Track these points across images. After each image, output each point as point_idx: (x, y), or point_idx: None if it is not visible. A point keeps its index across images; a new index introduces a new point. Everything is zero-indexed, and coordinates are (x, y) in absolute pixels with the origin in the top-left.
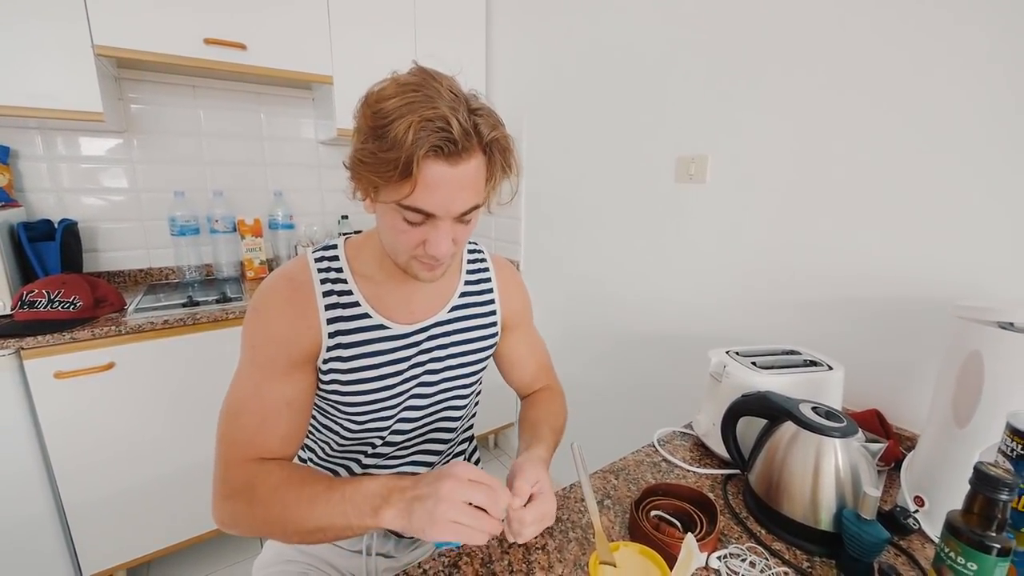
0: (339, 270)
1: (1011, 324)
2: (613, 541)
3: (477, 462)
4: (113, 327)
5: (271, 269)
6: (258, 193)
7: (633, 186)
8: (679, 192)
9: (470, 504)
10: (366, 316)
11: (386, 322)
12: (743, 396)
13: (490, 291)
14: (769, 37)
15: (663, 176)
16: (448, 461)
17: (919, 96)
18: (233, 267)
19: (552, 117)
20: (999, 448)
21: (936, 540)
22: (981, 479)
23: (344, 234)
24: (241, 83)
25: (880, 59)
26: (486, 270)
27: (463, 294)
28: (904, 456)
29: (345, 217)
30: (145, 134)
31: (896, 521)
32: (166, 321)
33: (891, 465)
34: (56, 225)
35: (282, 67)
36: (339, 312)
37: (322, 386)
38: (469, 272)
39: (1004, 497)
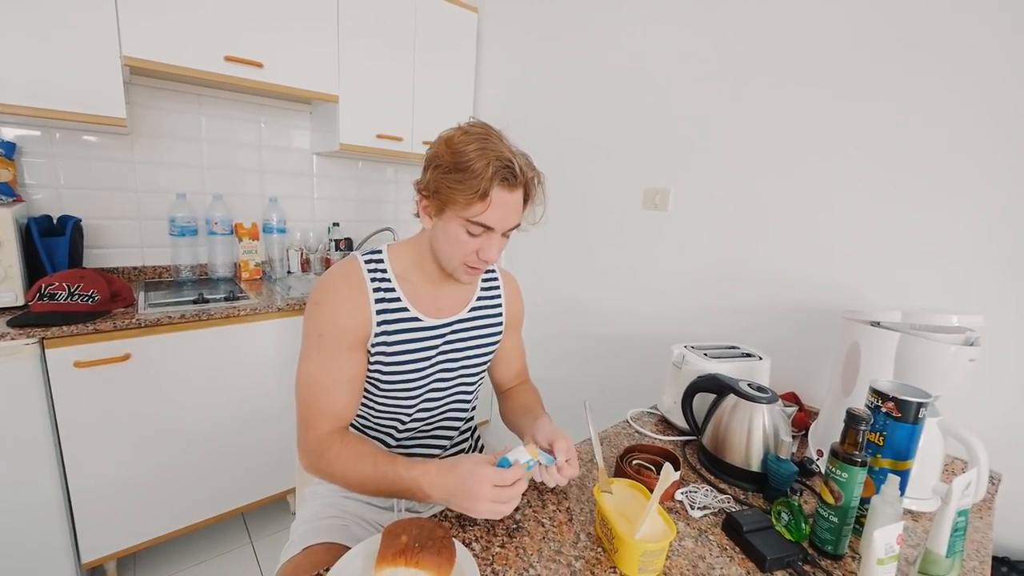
0: (384, 271)
1: (879, 323)
2: (609, 478)
3: (478, 439)
4: (131, 320)
5: (264, 272)
6: (254, 198)
7: (606, 210)
8: (646, 217)
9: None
10: (405, 310)
11: (420, 315)
12: (698, 377)
13: (499, 296)
14: (718, 99)
15: (632, 203)
16: (460, 436)
17: (825, 163)
18: (227, 268)
19: (533, 145)
20: (865, 403)
21: None
22: (850, 417)
23: (380, 244)
24: (244, 94)
25: (798, 130)
26: (496, 279)
27: (479, 298)
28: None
29: (336, 224)
30: (147, 137)
31: (804, 467)
32: (182, 316)
33: (803, 432)
34: (56, 221)
35: (294, 85)
36: (385, 305)
37: (368, 366)
38: (483, 280)
39: (863, 428)
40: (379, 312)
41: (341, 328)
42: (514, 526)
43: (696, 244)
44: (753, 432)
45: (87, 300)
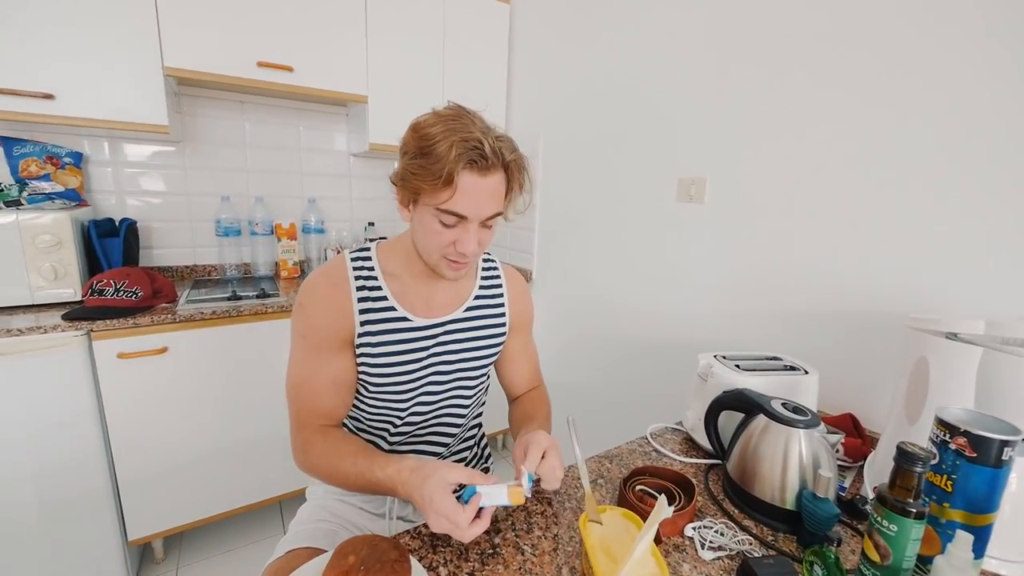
0: (371, 269)
1: (956, 335)
2: (600, 505)
3: (485, 447)
4: (168, 315)
5: (303, 270)
6: (294, 200)
7: (638, 203)
8: (680, 210)
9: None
10: (392, 309)
11: (408, 315)
12: (724, 392)
13: (501, 296)
14: (761, 78)
15: (666, 195)
16: (460, 444)
17: (890, 141)
18: (268, 267)
19: (566, 137)
20: (928, 437)
21: None
22: (901, 455)
23: (373, 239)
24: (284, 100)
25: (852, 107)
26: (498, 277)
27: (477, 296)
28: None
29: (372, 224)
30: (197, 143)
31: (855, 507)
32: (214, 312)
33: (860, 463)
34: (118, 223)
35: (323, 87)
36: (369, 304)
37: (357, 366)
38: (483, 278)
39: (919, 469)
40: (363, 312)
41: (322, 328)
42: (490, 551)
43: (737, 239)
44: (788, 461)
45: (131, 296)
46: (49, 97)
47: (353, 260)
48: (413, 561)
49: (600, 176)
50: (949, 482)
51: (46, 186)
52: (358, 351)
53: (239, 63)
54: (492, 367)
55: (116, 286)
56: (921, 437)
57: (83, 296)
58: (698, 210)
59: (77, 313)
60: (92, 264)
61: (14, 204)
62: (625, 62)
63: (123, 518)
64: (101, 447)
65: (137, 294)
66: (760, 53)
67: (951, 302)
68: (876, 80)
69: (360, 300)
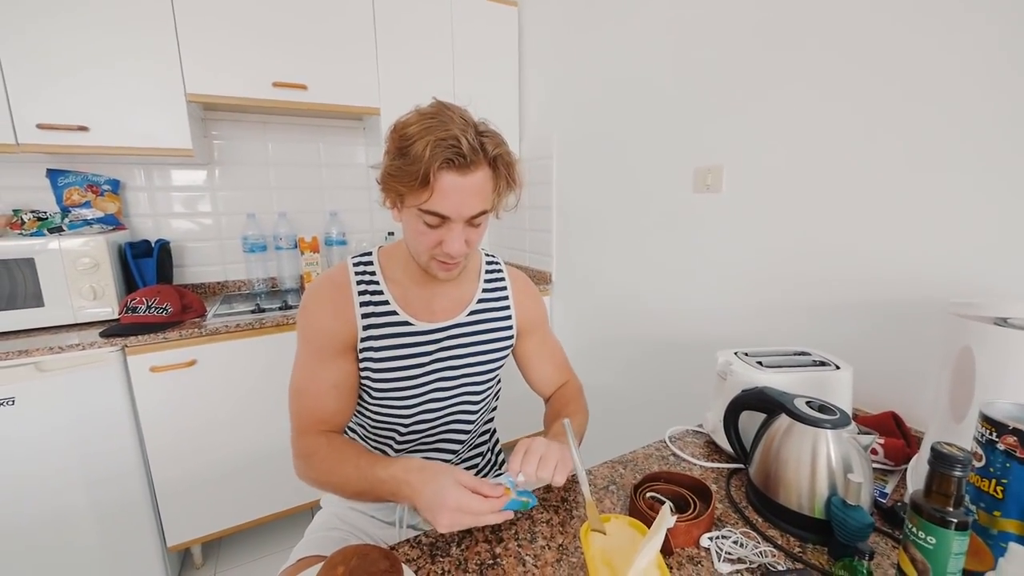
0: (372, 274)
1: (1005, 320)
2: (604, 514)
3: (499, 453)
4: (196, 329)
5: None
6: (316, 214)
7: (654, 197)
8: (697, 201)
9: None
10: (393, 313)
11: (410, 319)
12: (743, 391)
13: (506, 298)
14: (775, 55)
15: (682, 186)
16: (471, 451)
17: (919, 113)
18: (294, 279)
19: (580, 136)
20: (973, 436)
21: None
22: (936, 457)
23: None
24: (303, 118)
25: (877, 79)
26: (502, 279)
27: (480, 300)
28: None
29: (391, 234)
30: (224, 165)
31: (896, 515)
32: (238, 325)
33: (904, 466)
34: (153, 244)
35: (337, 102)
36: (371, 308)
37: (360, 372)
38: (487, 281)
39: (958, 473)
40: (365, 316)
41: (324, 333)
42: (491, 561)
43: (758, 228)
44: (814, 466)
45: (162, 312)
46: (84, 129)
47: (355, 265)
48: (408, 571)
49: (615, 172)
50: (999, 488)
51: (87, 213)
52: (361, 356)
53: (255, 85)
54: (500, 371)
55: (148, 303)
56: (969, 437)
57: (119, 314)
58: (716, 200)
59: (113, 330)
60: (129, 283)
61: (56, 231)
62: (635, 53)
63: (162, 525)
64: (139, 457)
65: (167, 310)
66: (778, 31)
67: (998, 285)
68: (904, 54)
69: (362, 305)
